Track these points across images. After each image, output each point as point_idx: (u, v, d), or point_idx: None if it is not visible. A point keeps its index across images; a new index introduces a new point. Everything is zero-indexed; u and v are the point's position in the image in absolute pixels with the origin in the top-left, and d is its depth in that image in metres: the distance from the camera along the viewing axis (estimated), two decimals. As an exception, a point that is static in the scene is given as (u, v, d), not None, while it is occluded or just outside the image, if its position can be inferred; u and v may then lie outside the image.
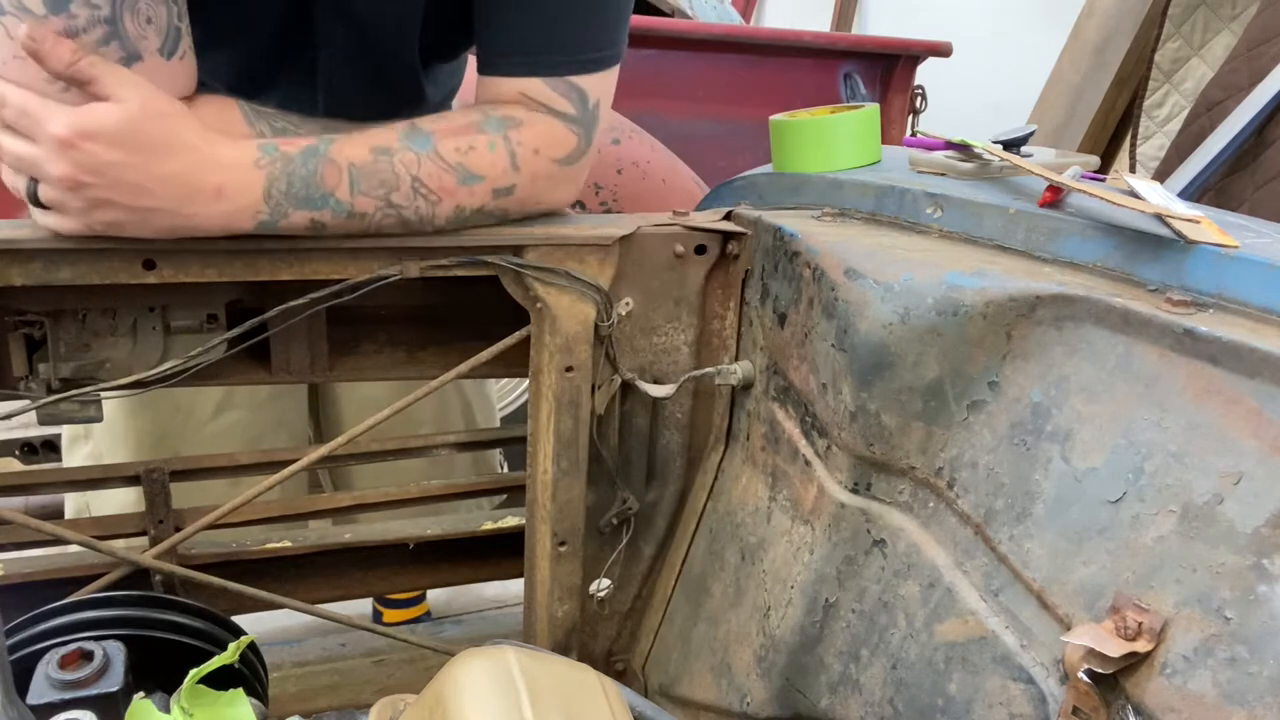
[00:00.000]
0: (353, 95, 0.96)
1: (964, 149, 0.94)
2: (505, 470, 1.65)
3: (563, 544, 0.98)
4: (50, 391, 0.89)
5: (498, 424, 1.48)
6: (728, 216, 0.97)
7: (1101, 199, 0.73)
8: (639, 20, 2.01)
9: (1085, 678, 0.58)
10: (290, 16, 0.91)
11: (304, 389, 1.30)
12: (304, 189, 0.79)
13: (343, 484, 1.37)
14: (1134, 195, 0.73)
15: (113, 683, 0.68)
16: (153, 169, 0.73)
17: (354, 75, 0.96)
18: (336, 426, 1.31)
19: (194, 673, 0.71)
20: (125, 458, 1.16)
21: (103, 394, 0.87)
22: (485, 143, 0.85)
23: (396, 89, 1.01)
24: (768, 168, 1.07)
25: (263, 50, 0.93)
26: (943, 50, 2.24)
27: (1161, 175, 2.02)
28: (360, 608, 1.82)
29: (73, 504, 1.26)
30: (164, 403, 1.17)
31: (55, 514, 1.32)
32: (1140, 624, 0.57)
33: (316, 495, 1.28)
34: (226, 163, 0.76)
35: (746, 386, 0.97)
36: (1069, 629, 0.61)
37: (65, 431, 1.25)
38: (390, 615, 1.83)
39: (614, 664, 1.12)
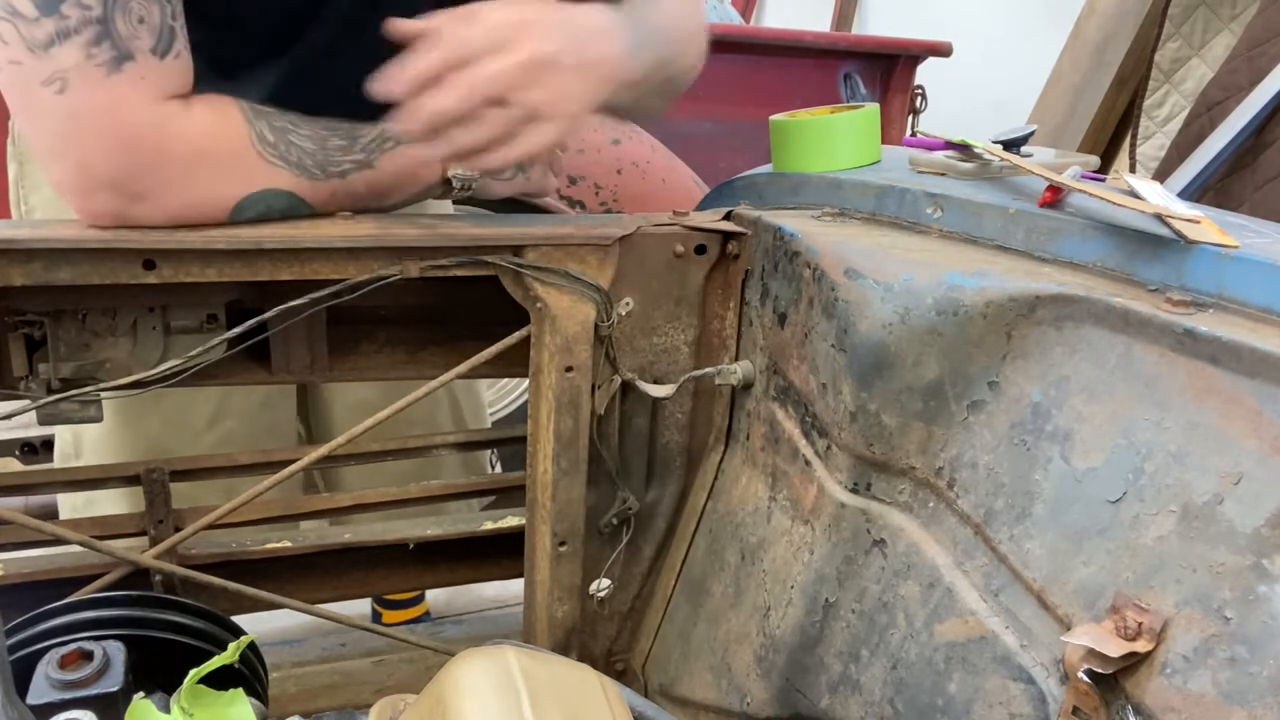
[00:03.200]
0: (355, 77, 0.95)
1: (964, 149, 0.94)
2: (497, 470, 1.65)
3: (563, 544, 0.98)
4: (50, 391, 0.89)
5: (487, 424, 1.49)
6: (728, 216, 0.97)
7: (1101, 199, 0.73)
8: (639, 20, 2.01)
9: (1085, 678, 0.58)
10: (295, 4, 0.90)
11: (294, 394, 1.29)
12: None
13: (335, 485, 1.37)
14: (1134, 195, 0.73)
15: (113, 683, 0.68)
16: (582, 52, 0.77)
17: (359, 54, 0.95)
18: (327, 429, 1.31)
19: (194, 673, 0.71)
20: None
21: (103, 394, 0.87)
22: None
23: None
24: (768, 168, 1.07)
25: (265, 35, 0.92)
26: (943, 50, 2.24)
27: (1161, 175, 2.03)
28: (360, 608, 1.82)
29: (68, 504, 1.26)
30: (156, 416, 1.16)
31: (55, 514, 1.32)
32: (1140, 624, 0.57)
33: (316, 495, 1.28)
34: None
35: (746, 386, 0.97)
36: (1069, 629, 0.61)
37: (58, 447, 1.24)
38: (389, 616, 1.83)
39: (614, 664, 1.12)
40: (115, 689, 0.67)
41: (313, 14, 0.90)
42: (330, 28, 0.91)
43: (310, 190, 0.85)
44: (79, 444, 1.20)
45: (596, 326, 0.91)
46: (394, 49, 0.95)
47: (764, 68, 2.13)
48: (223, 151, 0.80)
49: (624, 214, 1.00)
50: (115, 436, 1.16)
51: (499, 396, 2.22)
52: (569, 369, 0.91)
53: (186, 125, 0.78)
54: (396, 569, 1.20)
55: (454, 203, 1.15)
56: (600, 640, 1.10)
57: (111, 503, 1.17)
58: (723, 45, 2.09)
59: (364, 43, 0.92)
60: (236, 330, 0.86)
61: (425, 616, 1.88)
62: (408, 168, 0.90)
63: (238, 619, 0.85)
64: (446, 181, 0.92)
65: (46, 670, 0.67)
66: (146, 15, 0.75)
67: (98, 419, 0.92)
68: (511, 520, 1.18)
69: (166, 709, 0.70)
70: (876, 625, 0.78)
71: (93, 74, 0.73)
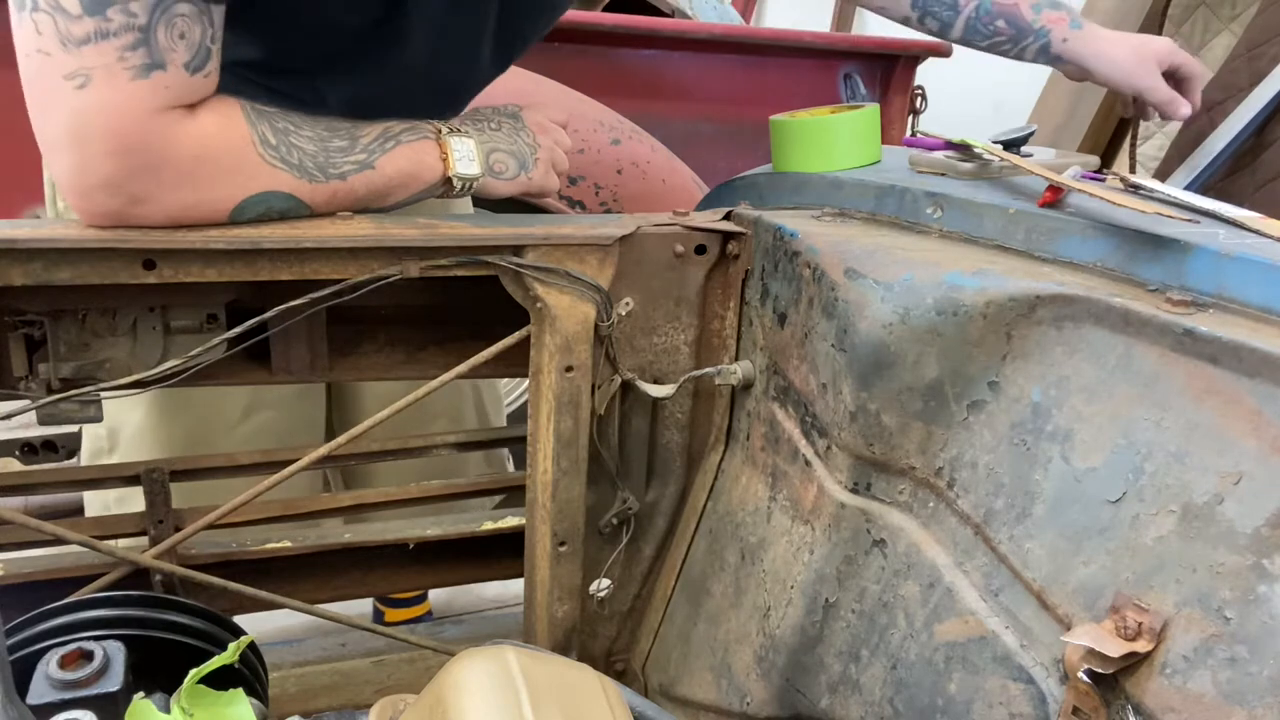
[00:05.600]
0: (416, 91, 0.99)
1: (964, 149, 0.94)
2: (513, 468, 1.66)
3: (563, 544, 0.98)
4: (50, 391, 0.89)
5: (504, 419, 1.50)
6: (728, 216, 0.97)
7: (1101, 199, 0.73)
8: (639, 20, 2.01)
9: (1085, 678, 0.58)
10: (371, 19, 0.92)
11: (324, 388, 1.30)
12: None
13: (357, 484, 1.38)
14: (1140, 192, 0.73)
15: (113, 683, 0.68)
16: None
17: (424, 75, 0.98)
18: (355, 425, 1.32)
19: (194, 673, 0.71)
20: None
21: (103, 394, 0.87)
22: None
23: (458, 86, 1.05)
24: (768, 168, 1.07)
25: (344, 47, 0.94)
26: (943, 50, 2.23)
27: (1161, 175, 2.03)
28: (360, 608, 1.82)
29: (98, 501, 1.25)
30: (193, 409, 1.18)
31: (55, 514, 1.32)
32: (1140, 624, 0.57)
33: (316, 495, 1.28)
34: None
35: (746, 386, 0.97)
36: (1069, 629, 0.62)
37: (87, 445, 1.25)
38: (392, 614, 1.83)
39: (614, 664, 1.12)
40: (115, 689, 0.67)
41: (388, 27, 0.93)
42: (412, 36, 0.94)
43: (310, 192, 0.85)
44: (114, 438, 1.20)
45: (596, 326, 0.91)
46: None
47: (764, 68, 2.13)
48: (225, 154, 0.81)
49: (624, 214, 1.00)
50: (153, 430, 1.17)
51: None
52: (569, 369, 0.91)
53: (191, 127, 0.79)
54: (396, 569, 1.20)
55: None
56: (600, 640, 1.10)
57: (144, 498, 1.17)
58: (723, 45, 2.09)
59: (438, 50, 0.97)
60: (236, 330, 0.86)
61: (426, 616, 1.88)
62: (408, 168, 0.90)
63: (238, 619, 0.85)
64: (448, 181, 0.92)
65: (46, 670, 0.67)
66: (188, 32, 0.77)
67: (98, 419, 0.92)
68: (511, 520, 1.18)
69: (166, 709, 0.70)
70: (876, 625, 0.78)
71: (119, 75, 0.74)
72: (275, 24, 0.88)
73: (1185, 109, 1.26)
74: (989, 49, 1.25)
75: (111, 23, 0.72)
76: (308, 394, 1.26)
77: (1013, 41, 1.22)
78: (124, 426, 1.19)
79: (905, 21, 1.26)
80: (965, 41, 1.25)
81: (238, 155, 0.81)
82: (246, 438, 1.20)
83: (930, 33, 1.25)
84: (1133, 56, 1.23)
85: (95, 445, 1.23)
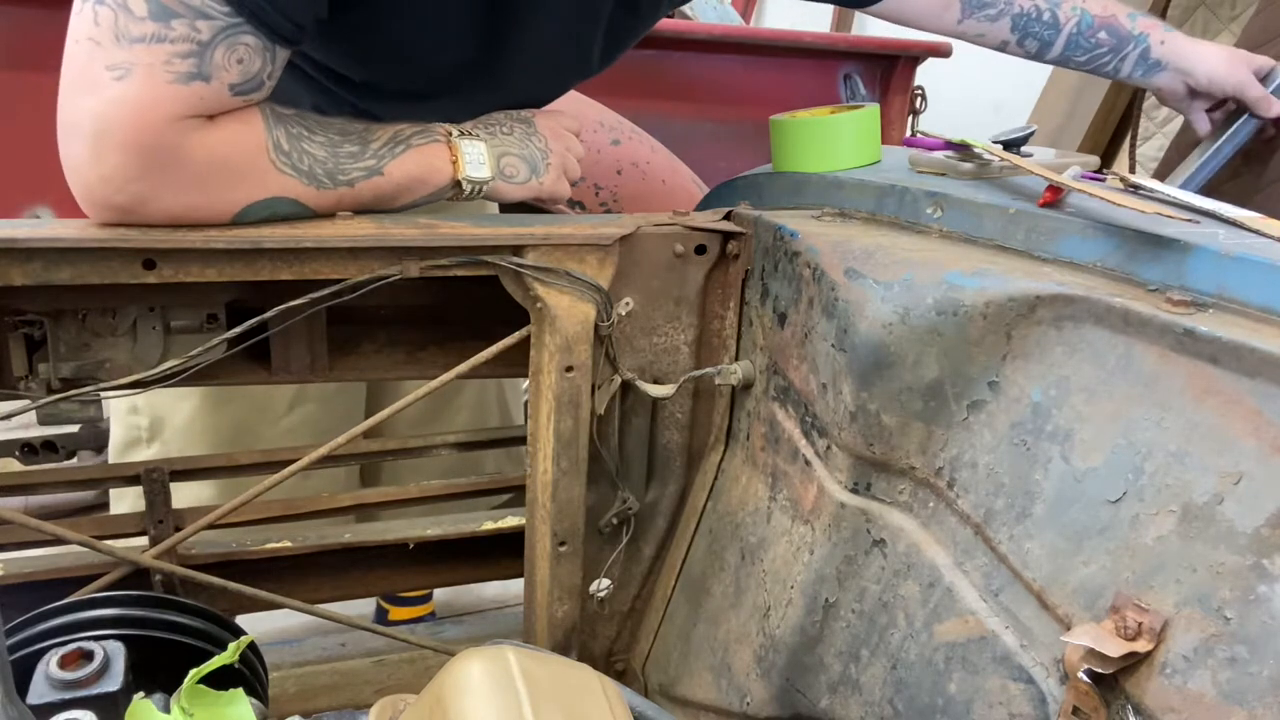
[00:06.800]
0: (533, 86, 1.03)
1: (964, 149, 0.94)
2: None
3: (563, 544, 0.98)
4: (50, 391, 0.89)
5: (523, 411, 1.53)
6: (728, 216, 0.97)
7: (1101, 199, 0.73)
8: (639, 20, 2.01)
9: (1085, 678, 0.58)
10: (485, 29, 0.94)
11: (363, 383, 1.32)
12: None
13: (382, 481, 1.39)
14: (1139, 192, 0.73)
15: (113, 683, 0.67)
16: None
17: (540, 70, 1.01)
18: (390, 422, 1.32)
19: (194, 673, 0.71)
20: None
21: (103, 394, 0.87)
22: None
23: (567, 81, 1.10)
24: (768, 168, 1.07)
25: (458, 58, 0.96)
26: (943, 50, 2.23)
27: (1161, 175, 2.02)
28: (360, 608, 1.82)
29: (131, 494, 1.25)
30: (242, 400, 1.19)
31: (55, 514, 1.31)
32: (1140, 624, 0.57)
33: (317, 495, 1.28)
34: None
35: (746, 386, 0.97)
36: (1069, 629, 0.62)
37: (120, 435, 1.24)
38: (396, 612, 1.83)
39: (614, 664, 1.12)
40: (115, 689, 0.67)
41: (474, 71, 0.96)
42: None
43: (316, 198, 0.85)
44: (156, 428, 1.20)
45: (596, 326, 0.91)
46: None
47: (764, 68, 2.12)
48: (237, 160, 0.81)
49: (624, 214, 1.00)
50: (202, 421, 1.18)
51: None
52: (569, 369, 0.91)
53: (209, 133, 0.79)
54: (396, 569, 1.20)
55: None
56: (600, 640, 1.10)
57: (183, 491, 1.17)
58: (723, 45, 2.09)
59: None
60: (236, 330, 0.86)
61: (430, 616, 1.88)
62: (416, 172, 0.90)
63: (238, 619, 0.85)
64: (457, 184, 0.92)
65: (46, 670, 0.67)
66: (246, 59, 0.78)
67: (97, 419, 0.92)
68: (511, 520, 1.18)
69: (166, 709, 0.70)
70: (876, 625, 0.78)
71: (159, 76, 0.74)
72: (367, 55, 0.90)
73: (1278, 106, 1.30)
74: (1088, 64, 1.26)
75: (173, 31, 0.74)
76: (347, 388, 1.27)
77: (1113, 52, 1.25)
78: (172, 416, 1.20)
79: (1002, 46, 1.27)
80: (1063, 59, 1.26)
81: (250, 161, 0.81)
82: (291, 429, 1.21)
83: (1028, 54, 1.27)
84: (1226, 58, 1.27)
85: (131, 435, 1.22)
